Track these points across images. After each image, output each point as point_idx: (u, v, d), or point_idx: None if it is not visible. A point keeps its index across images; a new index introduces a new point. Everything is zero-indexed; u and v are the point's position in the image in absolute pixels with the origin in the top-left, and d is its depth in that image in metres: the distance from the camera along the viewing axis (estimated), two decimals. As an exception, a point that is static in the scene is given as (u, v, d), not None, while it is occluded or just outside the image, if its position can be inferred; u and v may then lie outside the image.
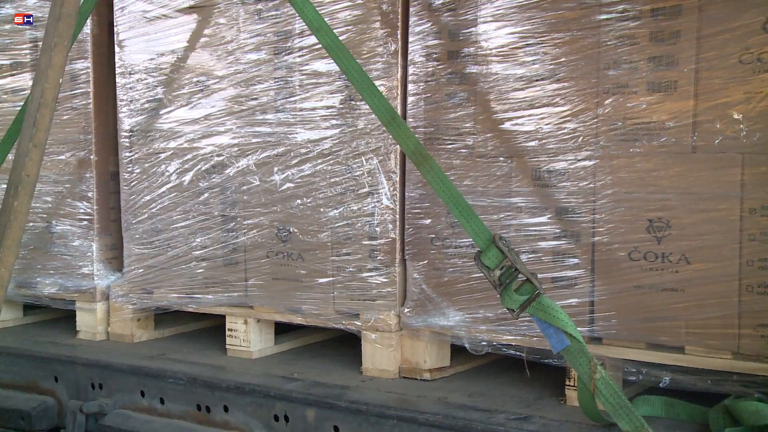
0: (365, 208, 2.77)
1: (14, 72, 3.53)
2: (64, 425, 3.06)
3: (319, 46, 2.63)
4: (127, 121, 3.27)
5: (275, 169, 2.93)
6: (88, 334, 3.40)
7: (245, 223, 3.01)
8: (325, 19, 2.54)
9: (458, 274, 2.63)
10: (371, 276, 2.77)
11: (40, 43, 3.43)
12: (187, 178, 3.13)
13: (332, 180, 2.82)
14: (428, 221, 2.67)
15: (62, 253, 3.45)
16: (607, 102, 2.37)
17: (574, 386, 2.42)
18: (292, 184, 2.90)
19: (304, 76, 2.86)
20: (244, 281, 3.03)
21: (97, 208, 3.38)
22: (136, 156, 3.25)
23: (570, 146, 2.42)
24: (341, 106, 2.80)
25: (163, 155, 3.18)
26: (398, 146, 2.56)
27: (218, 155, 3.05)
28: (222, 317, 3.11)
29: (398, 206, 2.73)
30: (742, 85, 2.19)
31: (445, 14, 2.61)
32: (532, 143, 2.48)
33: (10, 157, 3.39)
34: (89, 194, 3.38)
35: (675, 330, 2.31)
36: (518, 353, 2.56)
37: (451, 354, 2.78)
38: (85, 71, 3.34)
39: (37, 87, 2.32)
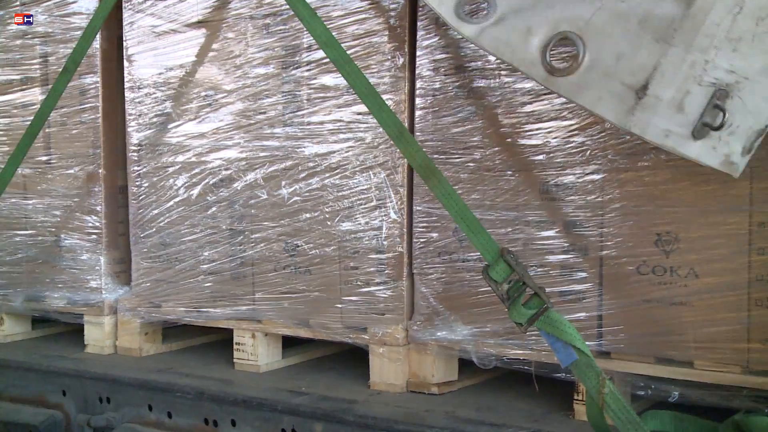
0: (373, 222, 2.77)
1: (24, 87, 3.55)
2: (71, 439, 3.06)
3: (327, 60, 2.64)
4: (135, 135, 3.29)
5: (283, 182, 2.93)
6: (96, 348, 3.40)
7: (253, 236, 3.01)
8: (333, 34, 2.55)
9: (466, 288, 2.62)
10: (379, 290, 2.77)
11: (51, 58, 3.47)
12: (195, 192, 3.14)
13: (340, 194, 2.82)
14: (436, 235, 2.67)
15: (70, 266, 3.46)
16: (614, 116, 2.36)
17: (582, 401, 2.41)
18: (299, 198, 2.90)
19: (312, 90, 2.87)
20: (252, 295, 3.03)
21: (105, 222, 3.39)
22: (144, 170, 3.27)
23: (578, 160, 2.42)
24: (349, 120, 2.80)
25: (171, 169, 3.19)
26: (406, 160, 2.56)
27: (226, 169, 3.06)
28: (230, 331, 3.11)
29: (406, 220, 2.74)
30: (750, 99, 2.19)
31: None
32: (540, 157, 2.48)
33: (20, 171, 3.42)
34: (97, 208, 3.39)
35: (684, 344, 2.30)
36: (526, 367, 2.55)
37: (458, 368, 2.77)
38: (94, 86, 3.36)
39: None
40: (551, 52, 1.86)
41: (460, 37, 2.60)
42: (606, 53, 1.73)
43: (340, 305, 2.84)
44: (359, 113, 2.77)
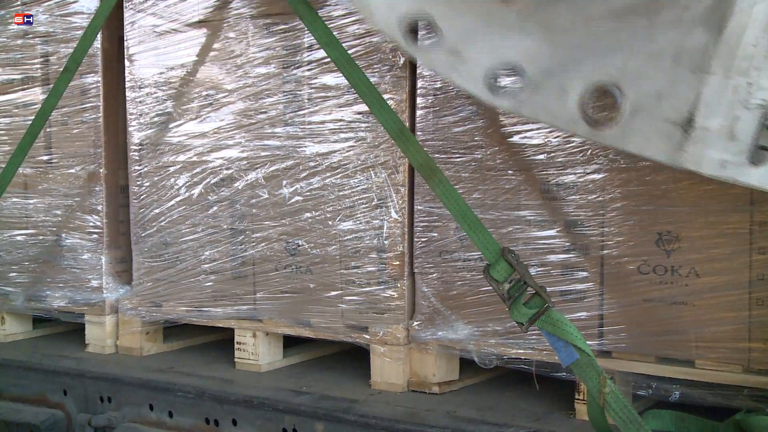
0: (374, 222, 2.77)
1: (25, 86, 3.55)
2: (72, 438, 3.07)
3: (328, 59, 2.64)
4: (136, 135, 3.29)
5: (284, 182, 2.93)
6: (97, 348, 3.40)
7: (254, 236, 3.01)
8: (334, 34, 2.55)
9: (467, 288, 2.62)
10: (380, 289, 2.77)
11: (52, 58, 3.47)
12: (196, 191, 3.14)
13: (341, 193, 2.82)
14: (437, 234, 2.67)
15: (72, 266, 3.46)
16: (615, 115, 2.36)
17: (583, 400, 2.41)
18: (300, 198, 2.90)
19: (313, 90, 2.87)
20: (253, 294, 3.03)
21: (106, 221, 3.39)
22: (145, 169, 3.27)
23: (579, 159, 2.42)
24: (350, 119, 2.80)
25: (172, 168, 3.19)
26: (407, 159, 2.56)
27: (227, 168, 3.06)
28: (231, 330, 3.11)
29: (407, 219, 2.74)
30: (751, 99, 2.19)
31: (453, 28, 2.62)
32: (541, 156, 2.48)
33: (21, 170, 3.42)
34: (99, 207, 3.39)
35: (685, 344, 2.30)
36: (527, 367, 2.56)
37: (460, 367, 2.77)
38: (95, 85, 3.36)
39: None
40: (590, 105, 1.80)
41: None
42: (646, 96, 1.69)
43: (341, 305, 2.84)
44: (360, 113, 2.77)
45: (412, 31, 1.95)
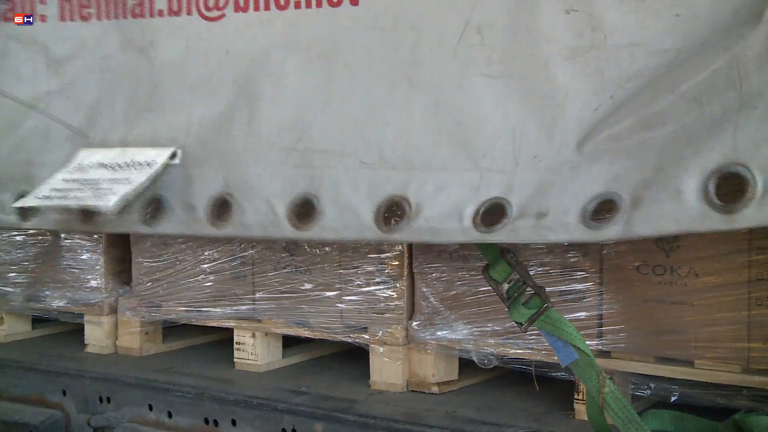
0: (373, 222, 2.76)
1: (24, 86, 3.54)
2: (71, 439, 3.06)
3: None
4: (135, 135, 3.28)
5: (283, 182, 2.93)
6: (96, 348, 3.40)
7: (253, 236, 3.01)
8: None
9: (466, 288, 2.62)
10: (379, 289, 2.76)
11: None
12: (196, 191, 3.13)
13: (340, 193, 2.82)
14: (436, 234, 2.67)
15: (71, 266, 3.45)
16: (614, 115, 2.35)
17: (582, 400, 2.41)
18: (300, 198, 2.90)
19: (312, 90, 2.86)
20: (252, 294, 3.03)
21: (105, 221, 3.39)
22: (144, 169, 3.26)
23: (578, 159, 2.41)
24: (349, 119, 2.80)
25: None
26: (406, 159, 2.56)
27: (226, 169, 3.06)
28: (230, 330, 3.11)
29: (406, 219, 2.73)
30: (751, 98, 2.18)
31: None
32: (540, 156, 2.47)
33: (20, 170, 3.41)
34: (98, 207, 3.38)
35: (684, 344, 2.30)
36: (527, 367, 2.56)
37: (459, 368, 2.77)
38: (94, 85, 3.35)
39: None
40: (715, 194, 1.58)
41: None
42: None
43: (340, 305, 2.84)
44: (359, 113, 2.76)
45: (488, 218, 1.84)
